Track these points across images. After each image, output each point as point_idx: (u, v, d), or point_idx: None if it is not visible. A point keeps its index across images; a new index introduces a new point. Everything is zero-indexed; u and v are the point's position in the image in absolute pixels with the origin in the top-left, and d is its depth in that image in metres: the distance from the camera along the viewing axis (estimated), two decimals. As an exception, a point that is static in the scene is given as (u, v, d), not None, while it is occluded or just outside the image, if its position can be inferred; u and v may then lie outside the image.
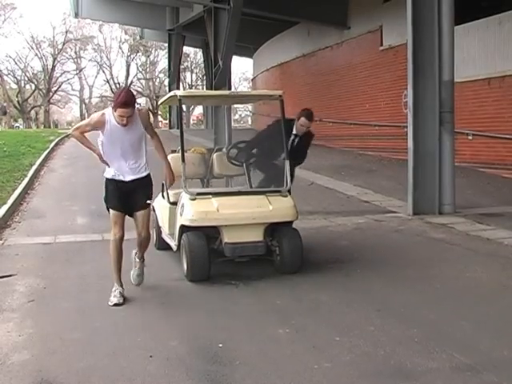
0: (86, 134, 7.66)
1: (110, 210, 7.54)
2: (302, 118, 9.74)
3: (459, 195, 13.39)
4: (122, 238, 7.45)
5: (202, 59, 54.07)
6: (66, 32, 72.88)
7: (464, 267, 8.85)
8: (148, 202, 7.66)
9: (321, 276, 8.52)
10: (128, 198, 7.51)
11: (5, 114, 70.58)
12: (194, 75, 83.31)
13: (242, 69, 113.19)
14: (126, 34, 74.92)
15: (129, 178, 7.51)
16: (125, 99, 7.02)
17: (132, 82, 79.56)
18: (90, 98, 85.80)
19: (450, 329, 6.37)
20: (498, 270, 8.67)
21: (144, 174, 7.65)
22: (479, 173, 17.98)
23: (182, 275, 8.25)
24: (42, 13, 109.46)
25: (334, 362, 5.56)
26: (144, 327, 6.41)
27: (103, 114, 7.37)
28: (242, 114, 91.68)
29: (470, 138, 18.69)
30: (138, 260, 7.83)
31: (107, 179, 7.62)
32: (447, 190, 13.05)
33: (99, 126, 7.33)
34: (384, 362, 5.54)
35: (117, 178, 7.51)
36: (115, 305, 7.16)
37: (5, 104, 72.27)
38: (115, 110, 7.08)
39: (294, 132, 9.76)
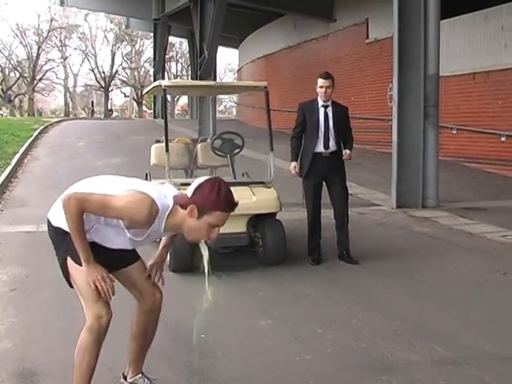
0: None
1: (86, 268, 4.17)
2: (318, 80, 8.75)
3: (443, 189, 13.45)
4: (109, 324, 4.32)
5: (188, 49, 53.93)
6: (51, 20, 72.42)
7: (447, 261, 8.89)
8: None
9: (304, 268, 8.53)
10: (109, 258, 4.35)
11: (10, 101, 70.10)
12: (179, 65, 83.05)
13: (227, 59, 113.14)
14: (111, 23, 74.59)
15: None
16: (229, 191, 4.17)
17: (117, 72, 79.28)
18: (75, 86, 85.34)
19: (432, 322, 6.40)
20: (481, 264, 8.72)
21: None
22: (463, 167, 18.07)
23: (164, 265, 8.22)
24: (27, 0, 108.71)
25: (316, 354, 5.57)
26: (125, 317, 6.38)
27: (157, 209, 4.04)
28: (227, 104, 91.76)
29: (455, 132, 18.76)
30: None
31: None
32: (431, 183, 13.11)
33: (138, 226, 4.13)
34: (366, 354, 5.56)
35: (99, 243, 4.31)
36: None
37: (10, 92, 71.80)
38: (206, 213, 4.09)
39: (321, 103, 8.80)
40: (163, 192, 4.19)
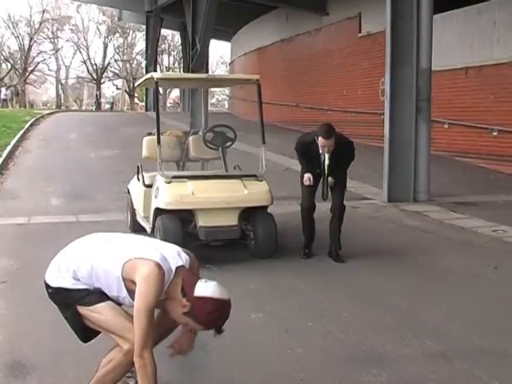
0: None
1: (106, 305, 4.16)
2: (320, 139, 8.21)
3: (434, 183, 13.46)
4: None
5: (180, 42, 53.81)
6: (43, 11, 72.06)
7: (438, 255, 8.91)
8: None
9: (295, 261, 8.53)
10: None
11: (18, 94, 69.64)
12: (171, 58, 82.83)
13: (219, 52, 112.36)
14: (103, 15, 74.33)
15: None
16: (225, 319, 4.20)
17: (109, 64, 79.05)
18: (67, 78, 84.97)
19: (423, 316, 6.42)
20: (472, 259, 8.73)
21: None
22: (454, 161, 18.06)
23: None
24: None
25: (307, 347, 5.58)
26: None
27: (162, 269, 3.99)
28: (219, 97, 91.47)
29: (446, 126, 18.76)
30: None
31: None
32: (422, 178, 13.12)
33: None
34: (356, 347, 5.57)
35: None
36: None
37: (16, 86, 71.43)
38: (193, 319, 4.01)
39: (321, 151, 8.38)
40: (163, 255, 4.12)
